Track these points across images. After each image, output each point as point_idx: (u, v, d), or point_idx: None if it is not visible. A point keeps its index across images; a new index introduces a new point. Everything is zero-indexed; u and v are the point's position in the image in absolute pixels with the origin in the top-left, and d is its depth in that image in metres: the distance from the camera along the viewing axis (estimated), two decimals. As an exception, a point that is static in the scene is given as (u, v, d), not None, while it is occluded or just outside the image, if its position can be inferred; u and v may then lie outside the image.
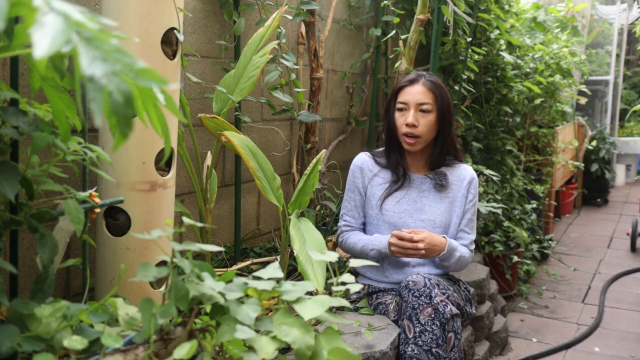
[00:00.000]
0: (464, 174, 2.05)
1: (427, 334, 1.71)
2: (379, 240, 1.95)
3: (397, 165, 2.03)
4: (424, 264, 1.98)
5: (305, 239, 1.73)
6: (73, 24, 0.62)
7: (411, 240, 1.85)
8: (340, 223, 2.10)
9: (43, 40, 0.58)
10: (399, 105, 1.98)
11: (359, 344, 1.71)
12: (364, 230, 2.10)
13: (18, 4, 0.63)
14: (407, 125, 1.94)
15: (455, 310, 1.75)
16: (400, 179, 2.01)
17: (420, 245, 1.84)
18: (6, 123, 0.99)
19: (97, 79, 0.61)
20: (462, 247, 1.99)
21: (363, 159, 2.08)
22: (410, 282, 1.78)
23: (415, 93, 1.95)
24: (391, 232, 1.95)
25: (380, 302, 1.97)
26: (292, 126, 2.67)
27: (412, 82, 1.97)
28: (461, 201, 2.02)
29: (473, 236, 2.03)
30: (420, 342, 1.71)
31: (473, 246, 2.04)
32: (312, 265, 1.64)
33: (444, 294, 1.77)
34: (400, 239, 1.86)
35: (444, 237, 1.92)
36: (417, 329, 1.72)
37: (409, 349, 1.72)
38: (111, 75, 0.62)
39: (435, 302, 1.73)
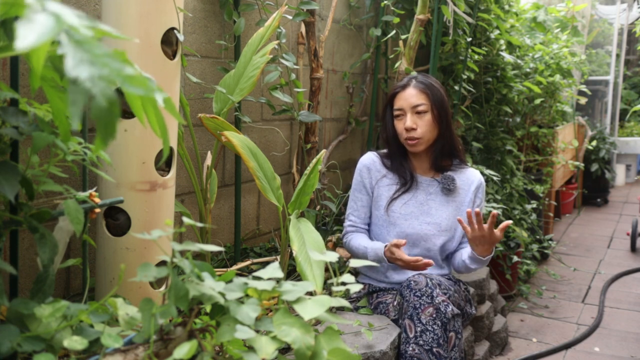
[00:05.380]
0: (471, 178, 2.05)
1: (428, 333, 1.71)
2: (374, 252, 1.93)
3: (404, 168, 2.03)
4: (424, 265, 1.98)
5: (305, 240, 1.73)
6: (64, 25, 0.61)
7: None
8: (346, 223, 2.08)
9: (29, 34, 0.57)
10: (395, 113, 2.00)
11: (359, 344, 1.71)
12: (369, 231, 2.09)
13: (17, 4, 0.63)
14: (406, 129, 1.96)
15: (456, 310, 1.75)
16: (408, 182, 2.02)
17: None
18: (6, 123, 0.99)
19: (80, 82, 0.60)
20: None
21: (371, 159, 2.08)
22: (412, 282, 1.79)
23: (408, 97, 1.97)
24: (396, 233, 1.96)
25: (380, 301, 1.97)
26: (292, 126, 2.67)
27: (404, 87, 2.00)
28: (468, 205, 2.02)
29: None
30: (421, 342, 1.71)
31: None
32: (310, 267, 1.64)
33: (445, 294, 1.78)
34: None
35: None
36: (419, 329, 1.72)
37: (410, 349, 1.72)
38: (97, 79, 0.61)
39: (436, 302, 1.73)
